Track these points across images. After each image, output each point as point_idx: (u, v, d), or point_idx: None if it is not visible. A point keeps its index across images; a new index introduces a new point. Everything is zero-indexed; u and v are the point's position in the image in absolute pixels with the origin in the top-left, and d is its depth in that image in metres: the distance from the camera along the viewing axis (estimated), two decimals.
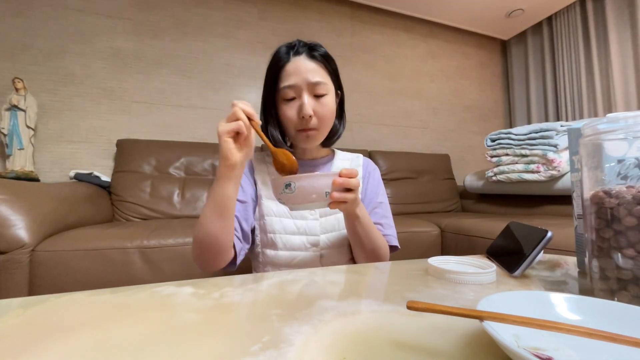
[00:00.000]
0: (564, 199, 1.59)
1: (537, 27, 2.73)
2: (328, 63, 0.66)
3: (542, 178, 1.54)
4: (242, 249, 0.63)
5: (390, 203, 0.77)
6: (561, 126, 1.49)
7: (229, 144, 0.49)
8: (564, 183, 1.51)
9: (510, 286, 0.40)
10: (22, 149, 1.49)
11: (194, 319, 0.30)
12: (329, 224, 0.67)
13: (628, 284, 0.30)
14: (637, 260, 0.29)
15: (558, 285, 0.42)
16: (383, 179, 0.80)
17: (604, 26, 2.25)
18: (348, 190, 0.50)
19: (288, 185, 0.47)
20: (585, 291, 0.39)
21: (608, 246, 0.31)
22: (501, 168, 1.73)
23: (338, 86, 0.69)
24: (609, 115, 0.33)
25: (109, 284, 0.98)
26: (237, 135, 0.50)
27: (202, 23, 2.01)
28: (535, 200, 1.74)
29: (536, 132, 1.56)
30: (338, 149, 0.81)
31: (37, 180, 1.51)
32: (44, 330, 0.27)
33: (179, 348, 0.24)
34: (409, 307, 0.25)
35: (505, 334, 0.22)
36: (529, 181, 1.61)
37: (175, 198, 1.61)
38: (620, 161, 0.31)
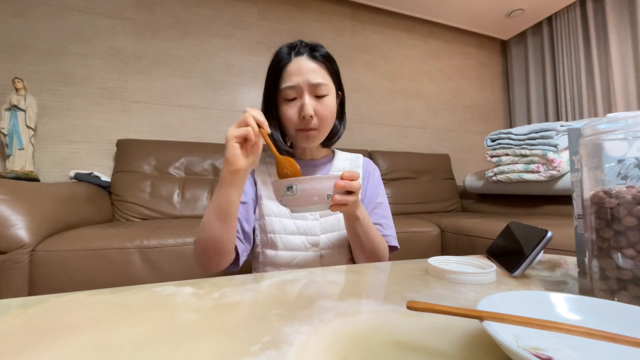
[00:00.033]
0: (564, 199, 1.59)
1: (537, 27, 2.73)
2: (329, 64, 0.66)
3: (542, 178, 1.54)
4: (245, 250, 0.63)
5: (390, 203, 0.77)
6: (561, 126, 1.49)
7: (236, 149, 0.48)
8: (564, 183, 1.51)
9: (510, 286, 0.40)
10: (22, 149, 1.50)
11: (194, 319, 0.30)
12: (328, 224, 0.67)
13: (628, 284, 0.30)
14: (637, 260, 0.29)
15: (558, 285, 0.42)
16: (383, 179, 0.80)
17: (604, 26, 2.25)
18: (349, 192, 0.50)
19: (290, 188, 0.47)
20: (585, 291, 0.39)
21: (608, 246, 0.31)
22: (501, 168, 1.73)
23: (339, 87, 0.69)
24: (609, 115, 0.33)
25: (109, 284, 0.98)
26: (244, 142, 0.49)
27: (202, 23, 2.01)
28: (535, 200, 1.74)
29: (536, 132, 1.56)
30: (338, 149, 0.81)
31: (37, 180, 1.51)
32: (44, 330, 0.27)
33: (179, 348, 0.24)
34: (409, 307, 0.25)
35: (505, 334, 0.22)
36: (529, 181, 1.61)
37: (175, 198, 1.61)
38: (620, 161, 0.31)
